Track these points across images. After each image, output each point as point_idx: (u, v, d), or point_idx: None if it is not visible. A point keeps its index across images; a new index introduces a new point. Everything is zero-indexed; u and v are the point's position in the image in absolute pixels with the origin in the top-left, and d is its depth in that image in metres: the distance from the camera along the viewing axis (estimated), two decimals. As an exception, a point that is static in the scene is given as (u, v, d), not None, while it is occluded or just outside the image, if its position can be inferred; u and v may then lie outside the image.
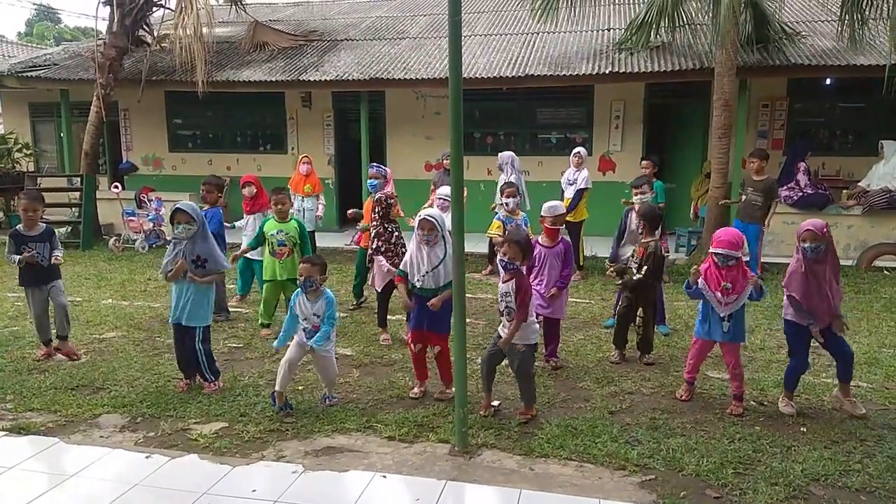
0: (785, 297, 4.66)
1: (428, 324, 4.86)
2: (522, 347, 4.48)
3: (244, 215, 7.58)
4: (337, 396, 4.90)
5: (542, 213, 5.63)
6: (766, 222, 8.24)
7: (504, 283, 4.51)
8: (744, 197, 8.36)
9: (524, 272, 4.63)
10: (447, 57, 3.89)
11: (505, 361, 4.65)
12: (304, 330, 4.73)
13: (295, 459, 4.05)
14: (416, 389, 5.03)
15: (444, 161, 9.49)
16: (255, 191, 7.42)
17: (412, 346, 4.98)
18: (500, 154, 9.22)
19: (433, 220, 4.78)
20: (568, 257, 5.57)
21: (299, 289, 4.74)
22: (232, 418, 4.62)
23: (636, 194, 6.68)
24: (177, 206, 4.90)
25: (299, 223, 6.56)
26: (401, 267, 5.05)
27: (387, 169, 7.30)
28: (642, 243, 5.71)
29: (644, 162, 8.68)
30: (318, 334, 4.65)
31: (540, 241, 5.57)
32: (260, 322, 6.53)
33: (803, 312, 4.52)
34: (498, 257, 4.51)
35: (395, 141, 12.86)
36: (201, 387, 5.12)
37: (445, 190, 6.70)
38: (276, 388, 4.67)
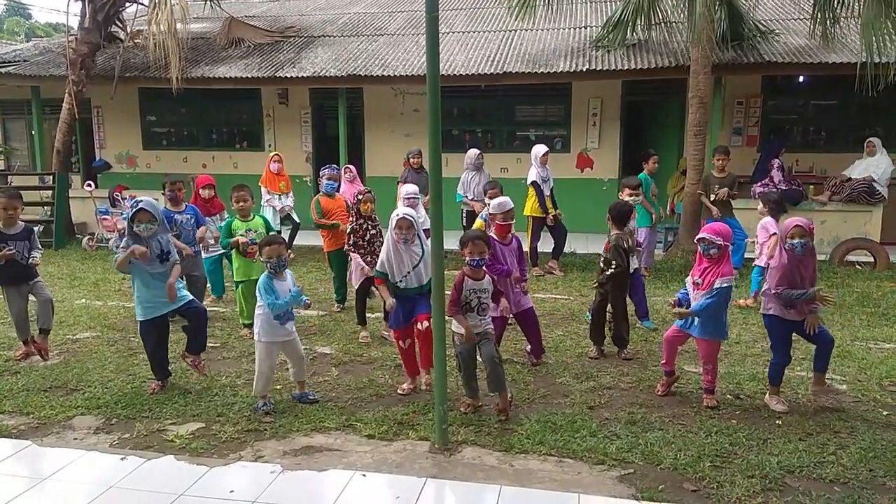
0: (766, 292, 4.68)
1: (415, 311, 4.86)
2: (492, 330, 4.61)
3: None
4: (312, 393, 4.88)
5: (492, 211, 5.60)
6: (727, 211, 8.41)
7: (479, 280, 4.53)
8: (712, 196, 8.45)
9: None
10: (425, 54, 3.87)
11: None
12: (277, 316, 4.64)
13: (273, 459, 4.02)
14: (405, 386, 5.00)
15: (411, 159, 9.49)
16: (213, 193, 7.38)
17: (401, 342, 4.98)
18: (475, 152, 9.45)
19: (411, 218, 4.79)
20: (521, 252, 5.63)
21: (267, 274, 4.64)
22: (209, 418, 4.57)
23: (629, 195, 6.81)
24: (139, 205, 4.83)
25: (264, 218, 6.46)
26: (377, 268, 5.00)
27: (339, 169, 7.26)
28: (610, 237, 5.78)
29: (654, 158, 8.80)
30: (293, 295, 4.64)
31: (495, 237, 5.48)
32: (242, 322, 6.44)
33: (803, 297, 4.51)
34: (467, 259, 4.53)
35: (373, 138, 12.80)
36: (177, 386, 5.08)
37: (410, 188, 6.66)
38: (262, 392, 4.67)
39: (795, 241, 4.45)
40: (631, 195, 6.90)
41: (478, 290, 4.53)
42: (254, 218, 6.34)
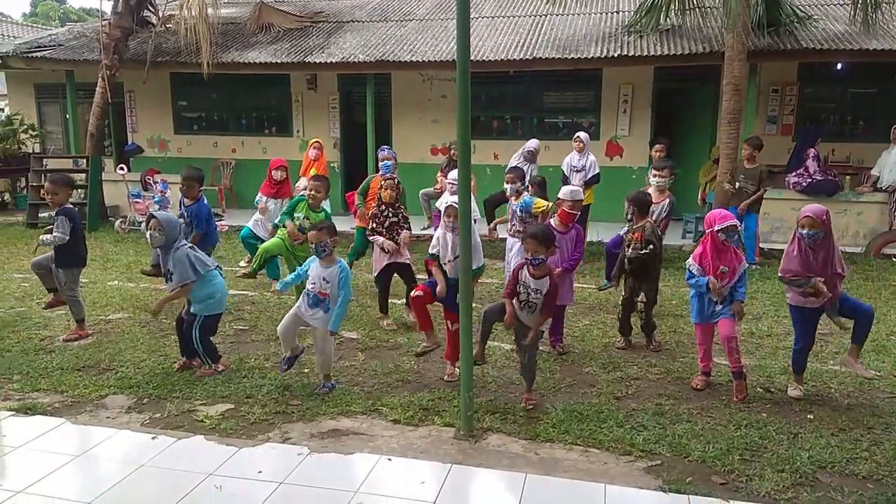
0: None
1: (451, 306, 4.88)
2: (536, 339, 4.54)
3: (264, 197, 7.55)
4: (331, 384, 4.82)
5: (561, 197, 5.55)
6: (751, 208, 8.33)
7: (537, 278, 4.44)
8: (737, 184, 8.37)
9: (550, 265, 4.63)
10: (454, 39, 3.84)
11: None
12: (306, 294, 4.69)
13: (301, 441, 4.06)
14: (424, 344, 5.21)
15: (453, 151, 9.45)
16: (285, 176, 7.40)
17: (417, 290, 5.14)
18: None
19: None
20: (579, 242, 5.55)
21: (314, 255, 4.74)
22: (238, 400, 4.63)
23: (656, 176, 6.68)
24: (150, 213, 5.06)
25: (328, 215, 6.35)
26: (430, 251, 5.14)
27: (390, 150, 7.38)
28: (636, 228, 5.68)
29: (658, 146, 8.73)
30: (334, 316, 4.63)
31: (553, 224, 5.47)
32: (252, 267, 6.31)
33: (801, 286, 4.47)
34: (524, 256, 4.51)
35: (401, 124, 12.78)
36: (194, 370, 5.14)
37: (456, 174, 6.62)
38: (285, 352, 4.81)
39: (804, 231, 4.40)
40: (656, 176, 6.75)
41: (529, 287, 4.44)
42: (320, 212, 6.24)
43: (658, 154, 8.66)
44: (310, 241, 4.74)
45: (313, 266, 4.74)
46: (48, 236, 5.67)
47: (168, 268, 4.96)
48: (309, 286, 4.71)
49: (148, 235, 4.96)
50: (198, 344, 5.04)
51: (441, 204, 6.59)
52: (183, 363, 5.16)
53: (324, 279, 4.65)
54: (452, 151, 9.48)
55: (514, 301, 4.50)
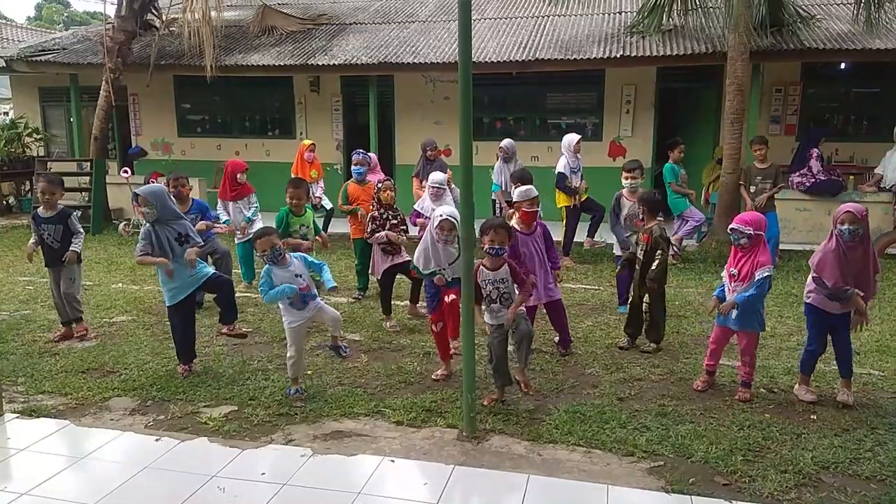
0: (811, 279, 4.54)
1: (451, 286, 4.93)
2: (523, 312, 4.62)
3: (220, 201, 7.53)
4: (345, 345, 5.03)
5: (517, 199, 5.50)
6: (767, 205, 8.22)
7: (494, 270, 4.45)
8: (753, 188, 8.33)
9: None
10: (456, 41, 3.84)
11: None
12: (291, 301, 4.61)
13: (304, 443, 4.07)
14: (439, 372, 5.05)
15: (428, 152, 9.37)
16: (245, 178, 7.47)
17: (434, 325, 5.05)
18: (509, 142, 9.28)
19: (454, 220, 4.78)
20: (548, 240, 5.51)
21: (267, 266, 4.60)
22: (241, 402, 4.64)
23: (628, 178, 6.66)
24: (134, 190, 5.12)
25: (309, 210, 6.61)
26: (414, 263, 5.11)
27: (371, 155, 7.34)
28: (645, 229, 5.65)
29: (680, 147, 8.83)
30: (324, 276, 4.77)
31: (516, 227, 5.36)
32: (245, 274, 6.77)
33: (830, 297, 4.43)
34: (486, 247, 4.47)
35: (403, 125, 12.79)
36: (197, 373, 5.17)
37: (437, 177, 6.59)
38: (293, 375, 4.72)
39: (845, 227, 4.32)
40: (628, 178, 6.73)
41: (495, 281, 4.45)
42: (305, 213, 6.44)
43: (679, 154, 8.74)
44: (260, 249, 4.55)
45: (277, 276, 4.57)
46: (77, 246, 5.77)
47: (181, 233, 5.01)
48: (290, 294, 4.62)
49: (140, 213, 4.96)
50: (232, 296, 5.27)
51: (422, 207, 6.55)
52: (185, 370, 5.13)
53: (297, 276, 4.62)
54: (429, 152, 9.35)
55: (489, 304, 4.50)
